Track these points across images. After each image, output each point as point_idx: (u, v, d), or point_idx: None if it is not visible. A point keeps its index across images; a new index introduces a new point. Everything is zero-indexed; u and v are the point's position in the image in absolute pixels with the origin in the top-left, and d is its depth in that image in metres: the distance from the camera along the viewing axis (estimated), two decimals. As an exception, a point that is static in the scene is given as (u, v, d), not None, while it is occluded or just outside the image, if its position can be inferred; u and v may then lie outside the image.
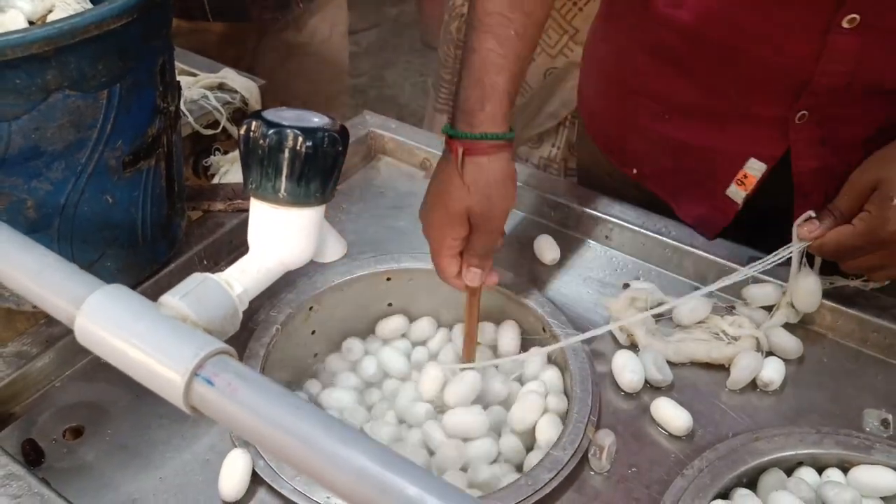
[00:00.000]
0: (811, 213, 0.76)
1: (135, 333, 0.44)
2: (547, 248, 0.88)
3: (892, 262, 0.74)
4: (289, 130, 0.50)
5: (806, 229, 0.75)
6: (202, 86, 1.04)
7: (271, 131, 0.50)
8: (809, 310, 0.79)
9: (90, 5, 0.77)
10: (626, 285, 0.85)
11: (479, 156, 0.71)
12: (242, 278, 0.52)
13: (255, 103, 1.05)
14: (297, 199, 0.52)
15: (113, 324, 0.44)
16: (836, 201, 0.75)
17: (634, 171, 0.95)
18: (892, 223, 0.70)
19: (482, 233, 0.73)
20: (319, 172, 0.51)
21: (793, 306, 0.80)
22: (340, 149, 0.52)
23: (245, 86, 1.05)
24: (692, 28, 0.78)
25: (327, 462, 0.38)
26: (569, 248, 0.90)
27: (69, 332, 0.73)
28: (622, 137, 0.95)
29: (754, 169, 0.84)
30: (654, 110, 0.89)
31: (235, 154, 1.01)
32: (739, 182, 0.86)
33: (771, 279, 0.81)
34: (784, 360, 0.76)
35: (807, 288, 0.78)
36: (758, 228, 0.86)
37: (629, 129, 0.93)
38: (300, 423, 0.39)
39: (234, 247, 0.86)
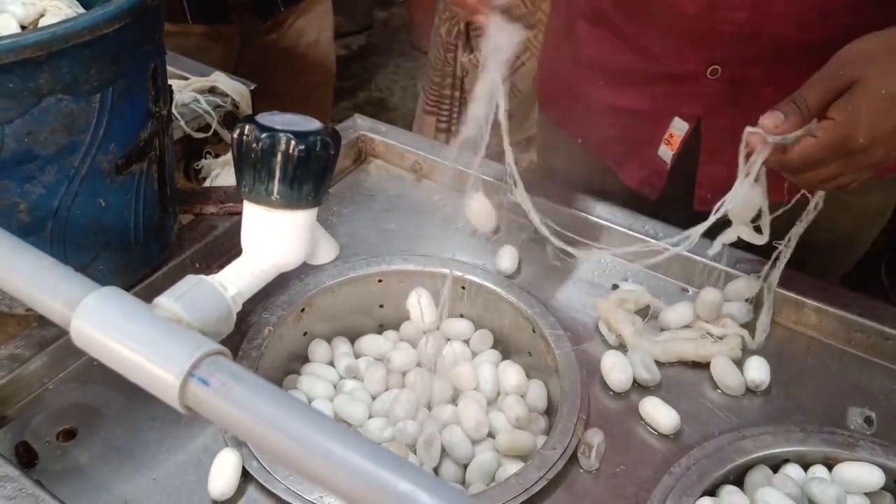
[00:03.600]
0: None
1: (130, 335, 0.44)
2: (505, 259, 0.88)
3: (849, 171, 0.69)
4: (281, 134, 0.50)
5: (770, 121, 0.68)
6: (193, 89, 1.05)
7: (264, 135, 0.51)
8: (743, 222, 0.76)
9: (82, 9, 0.77)
10: (616, 286, 0.86)
11: None
12: (236, 280, 0.52)
13: (245, 107, 1.06)
14: (290, 202, 0.53)
15: (108, 326, 0.45)
16: (804, 92, 0.68)
17: (580, 140, 1.01)
18: (858, 135, 0.66)
19: None
20: (312, 175, 0.52)
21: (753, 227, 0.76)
22: (332, 152, 0.52)
23: (236, 89, 1.05)
24: None
25: (321, 460, 0.39)
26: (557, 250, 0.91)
27: (62, 334, 0.74)
28: (569, 107, 1.03)
29: (678, 128, 0.90)
30: (591, 78, 0.96)
31: (227, 157, 1.01)
32: (666, 142, 0.92)
33: (743, 273, 0.83)
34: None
35: (752, 201, 0.74)
36: None
37: (574, 98, 1.01)
38: (294, 422, 0.40)
39: (225, 250, 0.86)
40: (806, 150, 0.68)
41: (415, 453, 0.74)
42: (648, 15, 0.87)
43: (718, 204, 0.72)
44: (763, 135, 0.68)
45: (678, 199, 0.96)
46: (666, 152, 0.93)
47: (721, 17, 0.82)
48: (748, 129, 0.70)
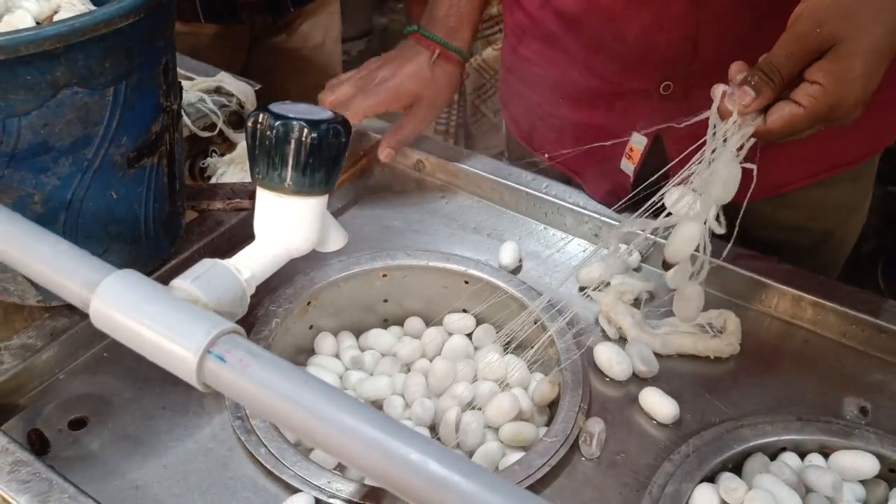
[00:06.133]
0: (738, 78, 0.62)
1: (148, 315, 0.45)
2: (507, 254, 0.90)
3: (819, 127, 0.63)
4: (295, 122, 0.52)
5: (741, 102, 0.61)
6: (199, 89, 1.06)
7: (278, 123, 0.52)
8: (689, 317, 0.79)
9: (94, 7, 0.79)
10: (607, 283, 0.87)
11: (449, 62, 0.96)
12: (250, 264, 0.54)
13: (250, 107, 1.07)
14: (302, 189, 0.54)
15: (127, 306, 0.46)
16: (774, 59, 0.61)
17: (546, 155, 1.03)
18: (850, 98, 0.60)
19: (418, 120, 0.97)
20: (324, 163, 0.54)
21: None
22: (344, 140, 0.54)
23: (241, 89, 1.07)
24: (572, 14, 0.89)
25: (335, 431, 0.40)
26: (557, 244, 0.93)
27: (73, 325, 0.76)
28: (531, 125, 1.04)
29: (637, 142, 0.91)
30: (549, 96, 0.98)
31: (232, 156, 1.03)
32: (627, 156, 0.93)
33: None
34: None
35: (690, 294, 0.76)
36: None
37: (535, 116, 1.02)
38: (308, 395, 0.41)
39: (233, 245, 0.88)
40: (792, 121, 0.61)
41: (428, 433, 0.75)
42: (594, 39, 0.88)
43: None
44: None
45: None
46: (628, 166, 0.93)
47: (665, 38, 0.83)
48: (720, 95, 0.64)
